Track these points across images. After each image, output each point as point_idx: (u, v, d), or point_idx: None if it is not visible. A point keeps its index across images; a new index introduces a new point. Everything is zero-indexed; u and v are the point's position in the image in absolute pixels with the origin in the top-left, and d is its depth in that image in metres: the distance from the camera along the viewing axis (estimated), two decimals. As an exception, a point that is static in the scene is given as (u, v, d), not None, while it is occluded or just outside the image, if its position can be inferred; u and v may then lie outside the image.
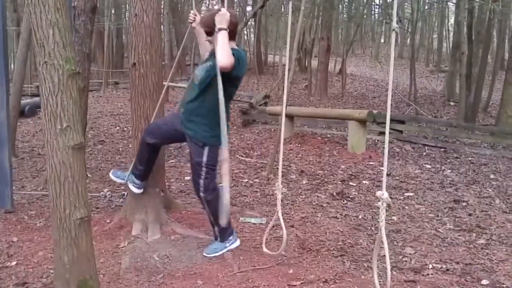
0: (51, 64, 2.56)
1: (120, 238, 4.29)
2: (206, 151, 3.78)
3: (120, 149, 8.48)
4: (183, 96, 4.08)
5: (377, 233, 4.51)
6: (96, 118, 12.09)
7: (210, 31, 3.64)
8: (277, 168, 6.92)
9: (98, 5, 6.06)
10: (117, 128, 10.87)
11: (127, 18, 27.78)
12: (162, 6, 21.86)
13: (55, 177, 2.64)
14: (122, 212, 4.74)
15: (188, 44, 27.43)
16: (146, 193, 4.57)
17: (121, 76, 23.51)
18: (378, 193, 2.39)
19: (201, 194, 3.87)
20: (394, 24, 2.43)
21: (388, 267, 2.29)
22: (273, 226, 4.66)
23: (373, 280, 2.81)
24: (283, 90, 17.15)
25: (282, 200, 5.47)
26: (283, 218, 4.79)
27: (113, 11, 24.47)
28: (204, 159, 3.79)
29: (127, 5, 26.29)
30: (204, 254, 3.98)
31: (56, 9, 2.54)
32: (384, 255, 2.68)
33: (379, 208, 5.21)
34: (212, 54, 3.68)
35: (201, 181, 3.83)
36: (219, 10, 3.55)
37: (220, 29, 3.49)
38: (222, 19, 3.50)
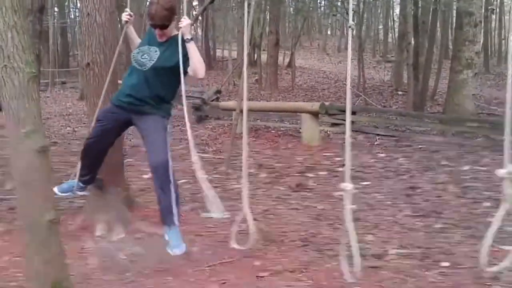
0: (11, 68, 2.52)
1: (85, 239, 4.25)
2: (169, 121, 3.79)
3: (74, 149, 8.33)
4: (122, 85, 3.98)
5: (337, 222, 4.65)
6: (46, 119, 11.81)
7: (166, 25, 3.65)
8: (235, 163, 6.99)
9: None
10: (68, 128, 10.72)
11: (71, 16, 27.24)
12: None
13: (22, 182, 2.62)
14: (84, 213, 4.71)
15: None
16: (107, 193, 4.55)
17: (68, 75, 23.04)
18: (343, 185, 2.48)
19: (170, 171, 3.64)
20: (350, 22, 2.52)
21: (357, 253, 2.39)
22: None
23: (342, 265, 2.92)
24: (233, 85, 16.98)
25: (243, 194, 5.57)
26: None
27: (56, 10, 23.93)
28: (168, 130, 3.77)
29: (70, 3, 25.80)
30: (173, 252, 3.72)
31: (13, 11, 2.49)
32: (347, 243, 2.79)
33: (339, 199, 5.36)
34: (168, 42, 3.73)
35: (168, 154, 3.66)
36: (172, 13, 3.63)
37: (189, 40, 3.56)
38: (187, 29, 3.57)
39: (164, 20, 3.62)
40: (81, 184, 4.07)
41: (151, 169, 3.74)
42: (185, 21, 3.55)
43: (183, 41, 3.54)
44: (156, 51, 3.73)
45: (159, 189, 3.78)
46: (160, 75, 3.70)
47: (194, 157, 3.53)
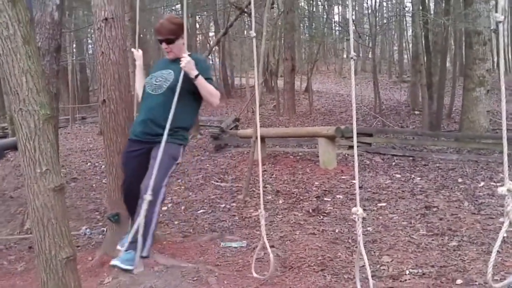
0: (26, 111, 2.64)
1: (104, 275, 4.33)
2: (181, 149, 3.60)
3: (94, 185, 8.48)
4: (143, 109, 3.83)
5: (354, 245, 4.67)
6: (67, 156, 12.04)
7: (172, 39, 3.57)
8: (253, 191, 7.05)
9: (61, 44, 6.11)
10: (89, 164, 10.85)
11: (89, 52, 27.75)
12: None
13: (38, 220, 2.70)
14: (103, 249, 4.78)
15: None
16: (125, 227, 4.62)
17: (88, 110, 23.42)
18: (353, 209, 2.52)
19: (161, 195, 3.37)
20: (352, 53, 2.60)
21: (370, 277, 2.42)
22: (254, 249, 4.79)
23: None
24: (252, 112, 16.97)
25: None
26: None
27: (74, 46, 24.43)
28: (179, 158, 3.58)
29: (88, 39, 26.31)
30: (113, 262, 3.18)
31: (27, 57, 2.63)
32: (363, 266, 2.81)
33: (355, 221, 5.37)
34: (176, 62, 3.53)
35: (166, 179, 3.47)
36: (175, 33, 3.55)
37: (195, 78, 3.42)
38: (190, 67, 3.38)
39: (171, 33, 3.53)
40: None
41: (141, 191, 3.26)
42: (184, 60, 3.36)
43: (188, 79, 3.39)
44: (169, 72, 3.59)
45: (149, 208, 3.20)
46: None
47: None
